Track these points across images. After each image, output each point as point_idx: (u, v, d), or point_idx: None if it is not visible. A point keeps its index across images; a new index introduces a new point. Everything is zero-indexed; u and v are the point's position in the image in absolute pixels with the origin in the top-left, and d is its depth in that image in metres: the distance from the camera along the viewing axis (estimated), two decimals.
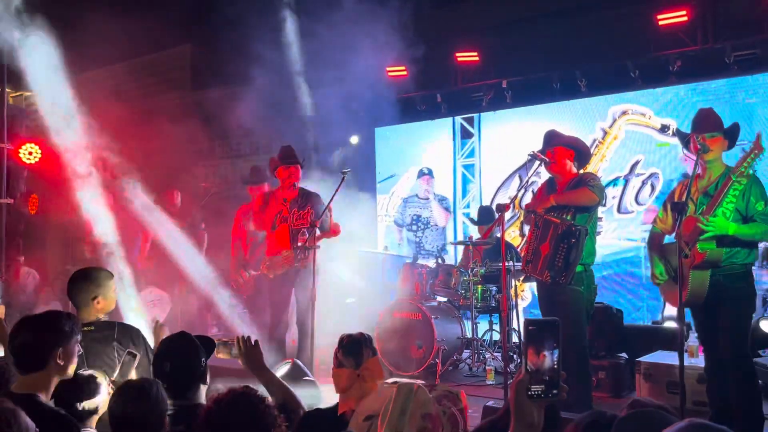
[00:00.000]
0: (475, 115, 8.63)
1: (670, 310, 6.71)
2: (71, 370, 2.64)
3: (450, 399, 1.72)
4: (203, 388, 2.74)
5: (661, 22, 6.85)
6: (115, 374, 3.00)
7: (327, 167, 8.78)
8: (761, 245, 5.19)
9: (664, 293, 4.26)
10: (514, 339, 6.39)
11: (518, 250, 7.07)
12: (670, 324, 6.44)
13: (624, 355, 5.71)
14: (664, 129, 7.16)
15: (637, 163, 7.33)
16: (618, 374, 5.50)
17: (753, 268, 4.13)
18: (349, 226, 8.06)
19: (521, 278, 6.41)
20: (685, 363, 3.90)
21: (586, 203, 4.52)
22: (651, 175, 7.25)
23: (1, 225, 6.91)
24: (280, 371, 3.57)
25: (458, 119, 8.74)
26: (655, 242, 4.32)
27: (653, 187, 7.23)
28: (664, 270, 4.15)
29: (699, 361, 4.78)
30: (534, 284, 6.96)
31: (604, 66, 7.52)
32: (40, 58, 6.06)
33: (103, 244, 6.67)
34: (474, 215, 7.54)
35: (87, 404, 2.67)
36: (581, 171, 4.82)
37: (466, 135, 8.75)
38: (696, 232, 3.85)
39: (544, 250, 4.44)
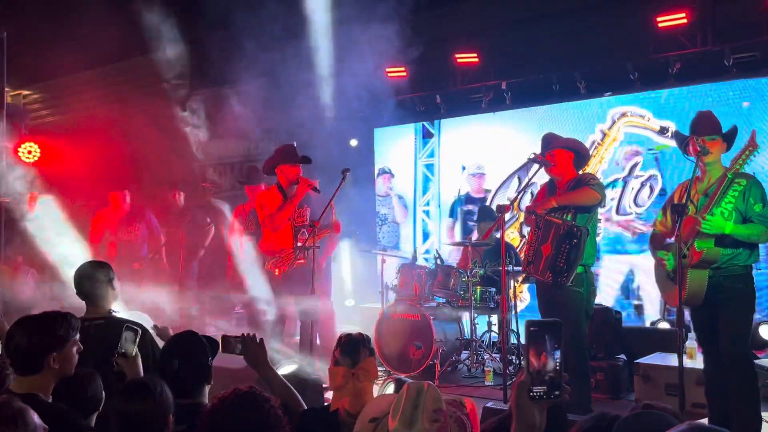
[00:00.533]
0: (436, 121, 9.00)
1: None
2: (70, 370, 2.63)
3: (454, 405, 1.73)
4: (207, 388, 2.74)
5: (660, 25, 6.85)
6: (120, 351, 2.95)
7: (326, 167, 8.78)
8: None
9: (663, 293, 4.27)
10: (513, 340, 6.39)
11: (517, 251, 7.08)
12: (665, 325, 6.46)
13: (622, 356, 5.72)
14: (663, 131, 7.17)
15: (635, 165, 7.34)
16: (616, 376, 5.51)
17: (756, 270, 4.14)
18: (348, 227, 8.08)
19: (520, 279, 6.42)
20: (684, 365, 3.91)
21: (588, 202, 4.53)
22: (650, 177, 7.26)
23: (1, 224, 6.92)
24: (284, 370, 3.58)
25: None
26: (657, 240, 4.32)
27: (652, 189, 7.24)
28: (673, 261, 4.12)
29: (698, 363, 4.78)
30: (533, 285, 6.99)
31: (603, 68, 7.53)
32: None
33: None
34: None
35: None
36: (580, 172, 4.83)
37: (427, 135, 9.10)
38: (694, 230, 3.86)
39: (546, 251, 4.44)
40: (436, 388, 1.73)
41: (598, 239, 5.38)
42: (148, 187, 7.40)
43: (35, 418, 1.96)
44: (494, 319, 6.76)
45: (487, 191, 8.46)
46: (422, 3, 7.29)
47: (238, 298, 6.83)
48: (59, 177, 7.74)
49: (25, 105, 12.45)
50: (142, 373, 2.96)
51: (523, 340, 6.34)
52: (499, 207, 4.64)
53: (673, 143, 6.98)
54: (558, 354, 1.47)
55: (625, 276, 7.37)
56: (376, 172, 9.40)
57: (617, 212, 7.43)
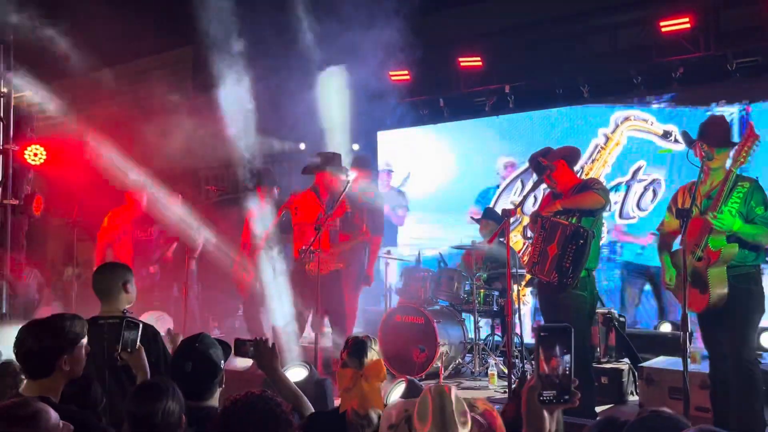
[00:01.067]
0: None
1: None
2: (80, 371, 2.66)
3: (468, 405, 1.76)
4: (219, 391, 2.77)
5: (663, 29, 6.87)
6: (121, 344, 2.97)
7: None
8: None
9: (684, 299, 4.24)
10: (516, 343, 6.40)
11: (519, 255, 7.10)
12: (667, 327, 6.48)
13: (626, 360, 5.73)
14: (666, 135, 7.19)
15: (639, 169, 7.36)
16: (620, 379, 5.52)
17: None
18: None
19: (523, 283, 6.44)
20: (688, 368, 3.93)
21: (592, 206, 4.56)
22: (653, 181, 7.27)
23: (7, 226, 6.93)
24: (396, 392, 3.67)
25: None
26: (665, 242, 4.34)
27: (655, 193, 7.25)
28: (675, 275, 4.16)
29: (702, 366, 4.80)
30: (535, 289, 7.00)
31: (606, 72, 7.54)
32: None
33: None
34: None
35: None
36: (584, 177, 4.88)
37: None
38: (705, 228, 3.88)
39: (552, 252, 4.47)
40: (456, 390, 1.76)
41: (601, 243, 5.39)
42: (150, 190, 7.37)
43: (54, 416, 1.99)
44: (498, 321, 6.78)
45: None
46: (426, 6, 7.31)
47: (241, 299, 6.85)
48: (65, 179, 7.77)
49: (30, 107, 12.47)
50: (147, 367, 2.98)
51: (526, 343, 6.36)
52: (504, 211, 4.67)
53: (676, 147, 7.03)
54: (568, 359, 1.50)
55: None
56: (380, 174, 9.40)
57: (620, 216, 7.44)
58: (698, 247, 3.96)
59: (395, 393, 3.72)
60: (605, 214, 7.02)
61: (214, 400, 2.74)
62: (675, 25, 6.82)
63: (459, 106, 8.73)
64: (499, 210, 6.67)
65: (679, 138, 6.93)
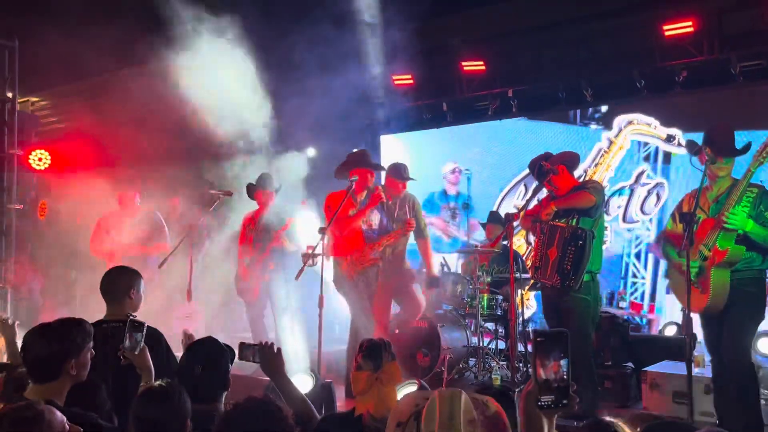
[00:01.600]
0: None
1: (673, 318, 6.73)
2: (85, 375, 2.67)
3: (477, 406, 1.74)
4: (224, 395, 2.77)
5: (666, 33, 6.87)
6: (126, 344, 2.96)
7: (329, 174, 8.80)
8: None
9: (682, 300, 4.24)
10: (520, 348, 6.39)
11: (524, 259, 7.10)
12: (671, 331, 6.45)
13: (630, 364, 5.71)
14: (669, 139, 7.18)
15: (642, 172, 7.35)
16: (624, 384, 5.51)
17: None
18: None
19: (527, 287, 6.43)
20: (693, 373, 3.92)
21: (583, 205, 4.57)
22: (656, 185, 7.26)
23: (12, 230, 6.96)
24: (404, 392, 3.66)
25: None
26: (669, 243, 4.32)
27: (659, 197, 7.24)
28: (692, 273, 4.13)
29: (706, 371, 4.78)
30: (539, 292, 6.99)
31: (610, 76, 7.54)
32: None
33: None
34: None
35: None
36: (581, 180, 4.89)
37: None
38: (716, 227, 3.89)
39: (552, 255, 4.48)
40: (466, 395, 1.74)
41: (604, 247, 5.39)
42: (153, 193, 7.37)
43: (60, 418, 2.00)
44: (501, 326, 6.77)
45: None
46: (429, 11, 7.33)
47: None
48: (69, 184, 7.79)
49: (35, 112, 12.52)
50: (152, 367, 2.97)
51: (530, 348, 6.34)
52: (507, 215, 4.68)
53: (679, 151, 7.02)
54: (565, 364, 1.49)
55: None
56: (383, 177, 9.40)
57: (624, 220, 7.43)
58: (706, 246, 3.97)
59: (403, 393, 3.69)
60: (607, 218, 7.04)
61: (220, 404, 2.74)
62: (678, 28, 6.82)
63: (462, 110, 8.73)
64: (502, 213, 6.66)
65: (683, 142, 6.98)
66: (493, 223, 6.92)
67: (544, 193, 5.09)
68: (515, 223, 5.07)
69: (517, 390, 4.62)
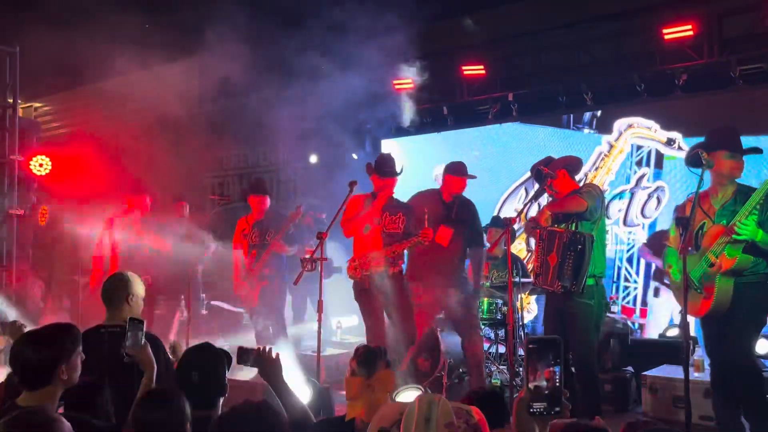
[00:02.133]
0: None
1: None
2: (76, 379, 2.68)
3: (462, 415, 1.75)
4: (222, 400, 2.78)
5: (666, 36, 6.86)
6: (128, 343, 3.02)
7: (332, 178, 8.82)
8: None
9: (682, 303, 4.24)
10: (520, 352, 6.38)
11: (524, 262, 7.09)
12: (674, 332, 6.44)
13: (630, 368, 5.70)
14: (670, 142, 7.18)
15: (643, 176, 7.34)
16: (624, 388, 5.50)
17: None
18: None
19: (527, 291, 6.42)
20: (691, 377, 3.92)
21: (575, 209, 4.55)
22: (657, 189, 7.26)
23: (13, 236, 6.98)
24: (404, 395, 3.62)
25: None
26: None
27: (659, 201, 7.24)
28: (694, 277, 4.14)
29: (705, 375, 4.78)
30: (539, 296, 6.98)
31: (610, 79, 7.54)
32: None
33: None
34: None
35: None
36: (581, 183, 4.88)
37: None
38: (726, 235, 3.89)
39: (552, 261, 4.46)
40: (447, 402, 1.75)
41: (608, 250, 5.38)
42: (156, 199, 7.37)
43: (68, 427, 2.02)
44: (501, 330, 6.75)
45: None
46: (429, 15, 7.34)
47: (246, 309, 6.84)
48: (70, 190, 7.81)
49: (37, 117, 12.59)
50: (154, 362, 3.02)
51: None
52: (505, 219, 4.67)
53: (680, 154, 7.02)
54: (558, 371, 1.49)
55: None
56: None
57: (624, 223, 7.42)
58: (713, 253, 3.98)
59: (407, 397, 3.69)
60: (609, 221, 7.03)
61: (217, 410, 2.75)
62: (678, 32, 6.81)
63: (462, 114, 8.74)
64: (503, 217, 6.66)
65: (683, 145, 6.98)
66: (495, 227, 6.92)
67: (545, 197, 5.10)
68: (516, 227, 5.08)
69: (515, 395, 4.62)
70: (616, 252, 7.47)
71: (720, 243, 3.94)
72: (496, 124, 8.42)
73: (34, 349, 2.57)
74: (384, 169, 5.69)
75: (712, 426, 4.37)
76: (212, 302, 8.66)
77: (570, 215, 4.58)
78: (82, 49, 7.92)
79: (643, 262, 7.33)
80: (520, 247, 7.93)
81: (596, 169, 7.58)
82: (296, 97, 8.60)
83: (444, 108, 8.67)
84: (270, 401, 2.43)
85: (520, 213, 5.02)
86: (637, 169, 7.42)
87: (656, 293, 7.24)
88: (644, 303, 7.29)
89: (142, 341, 3.01)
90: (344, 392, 2.74)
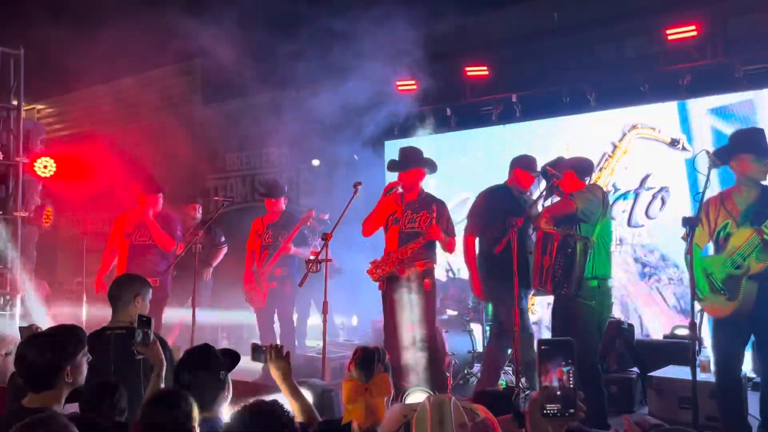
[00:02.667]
0: None
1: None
2: (82, 380, 2.69)
3: (468, 414, 1.75)
4: (224, 401, 2.78)
5: (670, 37, 6.86)
6: (138, 340, 3.10)
7: (335, 179, 8.84)
8: None
9: (706, 307, 4.23)
10: None
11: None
12: (682, 332, 6.43)
13: (635, 369, 5.69)
14: (674, 143, 7.17)
15: (647, 176, 7.33)
16: (630, 389, 5.49)
17: None
18: (358, 239, 8.08)
19: (531, 293, 6.41)
20: (698, 378, 3.91)
21: (565, 212, 4.57)
22: (661, 189, 7.24)
23: (17, 237, 6.99)
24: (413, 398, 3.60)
25: None
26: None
27: (663, 201, 7.22)
28: (707, 286, 4.15)
29: (711, 376, 4.77)
30: (543, 298, 6.98)
31: (613, 80, 7.54)
32: None
33: None
34: None
35: None
36: (588, 183, 4.87)
37: None
38: (756, 239, 3.91)
39: (546, 263, 4.49)
40: (457, 402, 1.75)
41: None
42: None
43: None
44: None
45: None
46: (433, 16, 7.35)
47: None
48: (75, 191, 7.83)
49: (40, 119, 12.61)
50: (163, 357, 3.08)
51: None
52: (509, 221, 4.66)
53: (684, 155, 7.01)
54: (571, 372, 1.49)
55: None
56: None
57: (629, 224, 7.41)
58: (741, 255, 3.99)
59: (414, 398, 3.68)
60: (613, 222, 7.01)
61: (220, 411, 2.74)
62: (682, 33, 6.81)
63: (466, 115, 8.74)
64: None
65: (687, 146, 6.97)
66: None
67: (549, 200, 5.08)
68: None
69: (522, 396, 4.61)
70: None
71: (749, 246, 3.94)
72: (500, 125, 8.41)
73: (40, 352, 2.58)
74: (394, 164, 5.60)
75: (717, 426, 4.36)
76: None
77: (569, 218, 4.56)
78: (85, 50, 7.95)
79: None
80: None
81: (600, 169, 7.57)
82: (300, 98, 8.62)
83: (447, 109, 8.68)
84: (279, 401, 2.43)
85: (524, 214, 4.99)
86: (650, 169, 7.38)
87: None
88: None
89: (151, 338, 3.07)
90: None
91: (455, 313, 6.71)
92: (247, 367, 3.17)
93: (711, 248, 4.33)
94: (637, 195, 7.39)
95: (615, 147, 7.57)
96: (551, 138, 7.85)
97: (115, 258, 6.59)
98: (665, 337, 6.53)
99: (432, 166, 5.61)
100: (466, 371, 6.42)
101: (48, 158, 7.27)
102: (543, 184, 5.21)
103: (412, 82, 8.38)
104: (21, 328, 3.90)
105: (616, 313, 6.94)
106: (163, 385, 3.04)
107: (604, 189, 5.72)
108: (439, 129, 8.90)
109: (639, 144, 7.42)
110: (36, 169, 7.24)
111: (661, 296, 7.19)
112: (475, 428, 1.73)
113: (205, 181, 11.08)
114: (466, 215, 5.74)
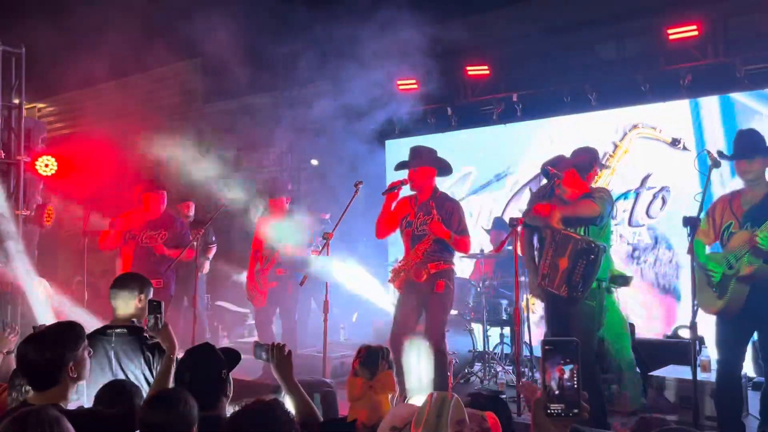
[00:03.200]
0: None
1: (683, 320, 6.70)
2: (86, 374, 2.69)
3: (476, 420, 1.75)
4: (225, 400, 2.78)
5: (671, 37, 6.86)
6: (149, 324, 3.21)
7: (336, 179, 8.83)
8: None
9: (701, 301, 4.24)
10: (525, 353, 6.38)
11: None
12: (684, 332, 6.43)
13: (636, 369, 5.69)
14: (675, 143, 7.17)
15: (648, 176, 7.33)
16: None
17: None
18: (358, 239, 8.11)
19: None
20: (698, 377, 3.92)
21: (586, 214, 4.50)
22: (662, 189, 7.24)
23: (18, 236, 6.98)
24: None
25: None
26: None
27: (664, 201, 7.22)
28: (705, 281, 4.18)
29: (711, 375, 4.77)
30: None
31: (614, 80, 7.54)
32: None
33: None
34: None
35: None
36: (592, 184, 4.85)
37: None
38: (749, 243, 3.93)
39: (563, 265, 4.41)
40: (459, 400, 1.75)
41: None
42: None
43: (69, 426, 2.03)
44: (506, 331, 6.76)
45: None
46: (433, 16, 7.35)
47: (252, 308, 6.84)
48: (75, 190, 7.82)
49: (41, 118, 12.61)
50: (174, 340, 3.15)
51: (536, 353, 6.33)
52: (512, 220, 4.64)
53: (685, 154, 7.01)
54: (575, 372, 1.49)
55: None
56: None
57: (629, 224, 7.41)
58: (734, 256, 4.03)
59: (415, 399, 3.68)
60: (613, 222, 7.01)
61: (221, 410, 2.75)
62: (683, 32, 6.81)
63: (467, 115, 8.74)
64: (507, 219, 6.64)
65: (688, 146, 6.97)
66: (498, 230, 6.91)
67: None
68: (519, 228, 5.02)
69: (521, 396, 4.61)
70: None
71: (742, 249, 3.96)
72: (500, 125, 8.41)
73: (40, 351, 2.57)
74: (402, 162, 5.49)
75: (718, 426, 4.36)
76: (217, 302, 8.69)
77: (580, 219, 4.54)
78: (86, 49, 7.95)
79: None
80: None
81: (601, 169, 7.57)
82: (300, 97, 8.62)
83: (448, 108, 8.67)
84: (280, 400, 2.44)
85: (525, 214, 4.98)
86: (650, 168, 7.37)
87: None
88: None
89: (162, 321, 3.16)
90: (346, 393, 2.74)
91: (455, 312, 6.70)
92: (248, 365, 3.18)
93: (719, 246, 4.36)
94: (637, 194, 7.39)
95: (616, 146, 7.57)
96: (551, 137, 7.86)
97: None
98: (666, 337, 6.53)
99: (444, 168, 5.47)
100: (466, 370, 6.42)
101: (49, 157, 7.27)
102: (543, 182, 5.19)
103: (413, 81, 8.38)
104: (34, 328, 3.90)
105: None
106: (174, 368, 3.05)
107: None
108: (439, 128, 8.90)
109: (640, 143, 7.43)
110: (37, 167, 7.24)
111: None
112: None
113: (208, 181, 11.07)
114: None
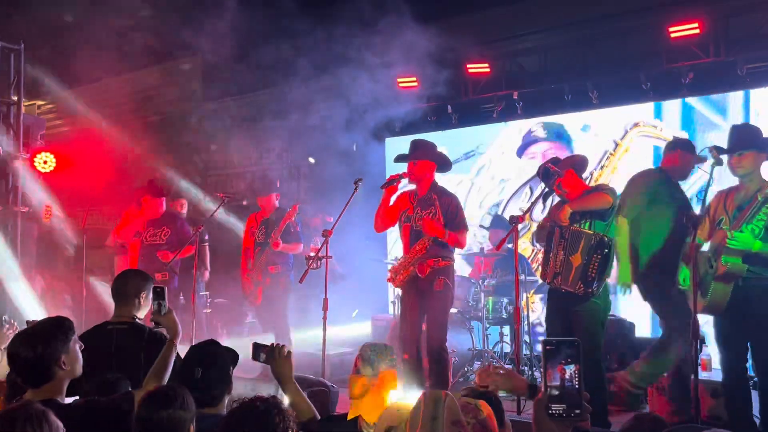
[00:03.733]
0: None
1: None
2: (80, 368, 2.68)
3: (470, 410, 1.72)
4: (226, 398, 2.77)
5: (673, 35, 6.83)
6: (154, 309, 3.21)
7: (335, 177, 8.81)
8: None
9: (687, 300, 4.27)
10: (525, 351, 6.37)
11: (529, 261, 7.07)
12: None
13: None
14: None
15: None
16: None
17: None
18: (359, 236, 8.08)
19: (532, 290, 6.41)
20: (699, 376, 3.91)
21: (600, 206, 4.50)
22: None
23: (17, 233, 6.97)
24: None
25: None
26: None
27: None
28: (689, 276, 4.17)
29: (711, 374, 4.76)
30: (544, 296, 6.96)
31: (615, 78, 7.51)
32: None
33: None
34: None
35: None
36: (593, 183, 4.85)
37: None
38: (722, 242, 3.91)
39: (576, 262, 4.39)
40: (453, 398, 1.72)
41: None
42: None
43: (56, 420, 2.03)
44: (506, 329, 6.75)
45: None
46: (434, 13, 7.32)
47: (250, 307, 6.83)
48: (74, 187, 7.81)
49: (40, 115, 12.58)
50: (178, 325, 3.14)
51: (535, 351, 6.32)
52: (512, 218, 4.62)
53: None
54: (577, 372, 1.46)
55: None
56: None
57: None
58: (714, 256, 4.00)
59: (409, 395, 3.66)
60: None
61: (222, 408, 2.74)
62: (684, 30, 6.78)
63: (467, 113, 8.71)
64: (507, 217, 6.62)
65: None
66: (497, 228, 6.89)
67: (552, 199, 5.04)
68: (521, 226, 5.02)
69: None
70: None
71: (719, 247, 3.96)
72: (500, 123, 8.39)
73: (30, 348, 2.55)
74: (401, 155, 5.44)
75: (719, 424, 4.34)
76: (216, 300, 8.66)
77: (586, 213, 4.53)
78: (85, 46, 7.93)
79: None
80: (524, 247, 7.90)
81: (602, 167, 7.56)
82: (299, 94, 8.60)
83: (449, 106, 8.65)
84: (279, 398, 2.42)
85: (526, 212, 4.95)
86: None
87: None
88: None
89: (165, 307, 3.16)
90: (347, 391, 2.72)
91: (456, 310, 6.69)
92: (247, 363, 3.15)
93: None
94: None
95: (617, 145, 7.55)
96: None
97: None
98: None
99: (443, 164, 5.45)
100: (466, 368, 6.40)
101: (48, 153, 7.26)
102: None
103: (413, 78, 8.36)
104: (29, 324, 3.89)
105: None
106: (174, 355, 3.05)
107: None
108: (440, 126, 8.88)
109: (641, 142, 7.40)
110: (36, 164, 7.22)
111: None
112: (478, 426, 1.70)
113: (206, 177, 11.06)
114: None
